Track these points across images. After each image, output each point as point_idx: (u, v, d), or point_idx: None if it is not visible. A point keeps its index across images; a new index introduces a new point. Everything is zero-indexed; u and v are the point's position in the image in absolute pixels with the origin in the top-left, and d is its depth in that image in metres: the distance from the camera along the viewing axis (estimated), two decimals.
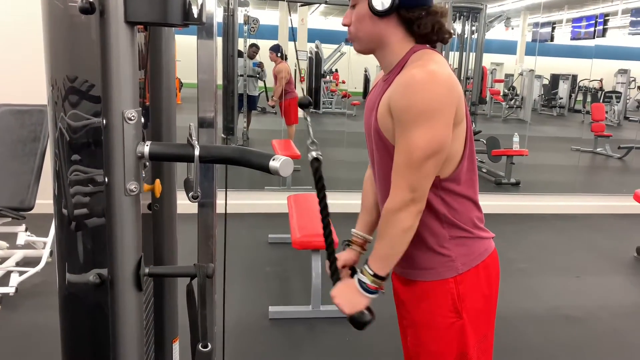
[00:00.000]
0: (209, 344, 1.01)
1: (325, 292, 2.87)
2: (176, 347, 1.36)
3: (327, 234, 1.30)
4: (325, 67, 9.82)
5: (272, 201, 4.60)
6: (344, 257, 1.40)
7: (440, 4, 1.21)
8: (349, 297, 1.22)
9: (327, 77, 10.26)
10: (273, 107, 6.82)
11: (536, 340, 2.69)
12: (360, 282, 1.21)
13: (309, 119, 1.35)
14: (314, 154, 1.27)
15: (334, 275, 1.32)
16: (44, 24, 0.95)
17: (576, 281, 3.50)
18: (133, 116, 0.87)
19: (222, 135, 6.08)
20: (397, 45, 1.18)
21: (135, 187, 0.90)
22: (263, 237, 3.96)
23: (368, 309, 1.22)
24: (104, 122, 0.87)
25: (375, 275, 1.19)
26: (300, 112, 6.50)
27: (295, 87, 6.99)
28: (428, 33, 1.16)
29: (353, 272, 1.39)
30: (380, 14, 1.15)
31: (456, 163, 1.18)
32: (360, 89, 11.96)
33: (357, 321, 1.22)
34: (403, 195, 1.13)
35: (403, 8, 1.14)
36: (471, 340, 1.24)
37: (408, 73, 1.11)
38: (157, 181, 1.08)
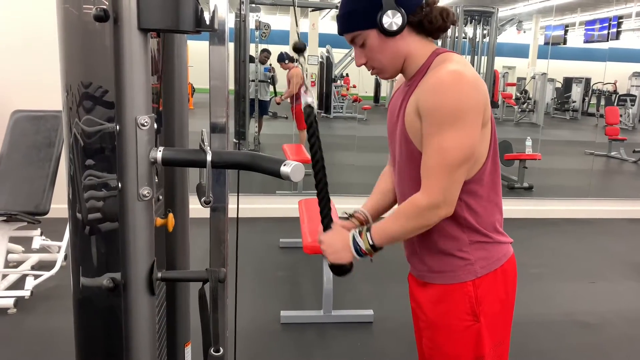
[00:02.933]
0: (220, 348, 1.02)
1: (337, 297, 2.87)
2: (188, 351, 1.36)
3: (320, 181, 1.29)
4: (336, 72, 9.84)
5: (283, 205, 4.61)
6: (339, 223, 1.36)
7: (451, 7, 1.21)
8: (337, 247, 1.25)
9: (338, 81, 10.28)
10: (279, 104, 7.04)
11: (549, 345, 2.65)
12: (354, 241, 1.22)
13: (304, 65, 1.36)
14: (309, 99, 1.27)
15: (325, 220, 1.31)
16: (59, 31, 0.96)
17: (590, 287, 3.45)
18: (146, 122, 0.88)
19: (234, 140, 6.10)
20: (419, 51, 1.19)
21: (148, 192, 0.90)
22: (274, 242, 3.97)
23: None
24: (118, 128, 0.88)
25: (372, 246, 1.21)
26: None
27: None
28: (440, 24, 1.16)
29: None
30: (396, 33, 1.15)
31: (480, 164, 1.19)
32: (371, 93, 11.95)
33: (339, 270, 1.27)
34: (436, 196, 1.13)
35: (409, 15, 1.15)
36: (487, 344, 1.23)
37: (436, 74, 1.12)
38: (170, 215, 1.09)
